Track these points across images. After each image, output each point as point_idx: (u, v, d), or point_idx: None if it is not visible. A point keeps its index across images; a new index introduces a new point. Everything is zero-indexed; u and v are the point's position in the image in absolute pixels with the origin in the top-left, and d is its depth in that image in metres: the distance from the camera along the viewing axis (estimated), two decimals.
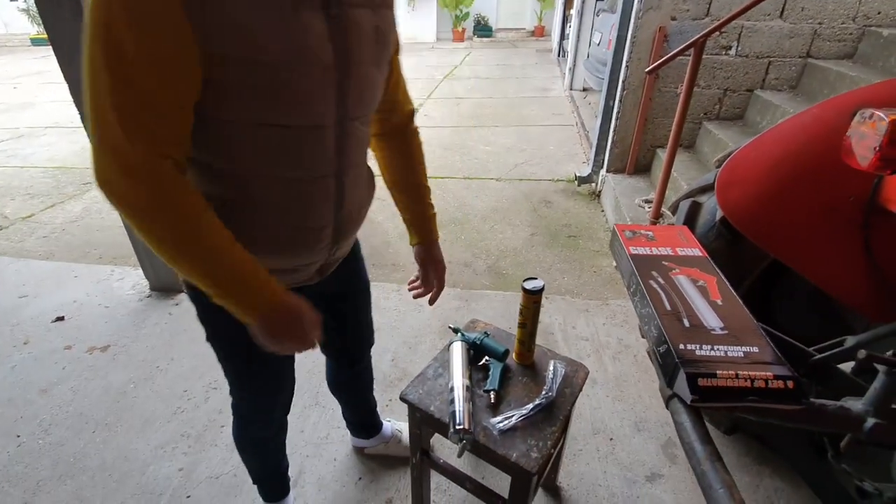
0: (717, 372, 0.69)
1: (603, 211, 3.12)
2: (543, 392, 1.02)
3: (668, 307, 0.83)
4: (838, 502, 1.02)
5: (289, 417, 1.16)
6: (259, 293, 0.70)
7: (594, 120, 3.65)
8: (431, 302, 1.11)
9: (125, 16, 0.54)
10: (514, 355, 1.13)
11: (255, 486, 1.25)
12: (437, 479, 1.35)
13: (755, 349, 0.74)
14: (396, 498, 1.37)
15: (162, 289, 2.33)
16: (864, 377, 0.95)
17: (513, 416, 0.97)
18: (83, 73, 0.57)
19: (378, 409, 1.45)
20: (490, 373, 1.07)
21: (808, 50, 2.68)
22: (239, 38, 0.59)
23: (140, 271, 2.35)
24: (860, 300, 1.01)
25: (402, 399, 1.05)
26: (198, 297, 0.84)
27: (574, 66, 6.21)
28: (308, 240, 0.81)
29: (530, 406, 0.99)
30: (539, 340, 1.13)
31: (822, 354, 0.93)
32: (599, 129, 3.23)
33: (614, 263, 1.91)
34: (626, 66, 2.89)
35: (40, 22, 2.39)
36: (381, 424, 1.46)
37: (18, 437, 1.57)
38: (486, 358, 1.11)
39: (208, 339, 0.92)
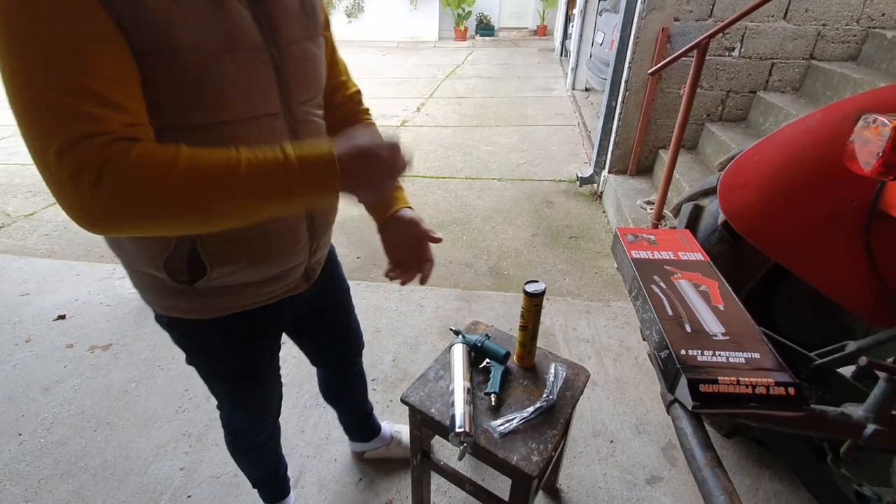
0: (719, 378, 0.69)
1: (604, 212, 3.12)
2: (544, 395, 1.02)
3: (670, 312, 0.83)
4: None
5: (289, 418, 1.17)
6: (312, 164, 0.58)
7: (596, 120, 3.64)
8: (423, 281, 1.00)
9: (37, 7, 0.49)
10: (515, 358, 1.13)
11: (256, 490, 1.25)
12: (437, 481, 1.35)
13: (757, 355, 0.74)
14: (397, 499, 1.38)
15: None
16: (864, 382, 0.95)
17: (513, 419, 0.97)
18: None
19: (379, 410, 1.45)
20: (491, 375, 1.07)
21: (811, 52, 2.68)
22: (160, 30, 0.55)
23: None
24: (861, 304, 1.01)
25: (404, 401, 1.05)
26: (171, 325, 0.83)
27: (576, 65, 6.21)
28: (284, 241, 0.80)
29: (531, 409, 0.99)
30: (540, 342, 1.13)
31: (824, 359, 0.93)
32: (602, 129, 3.22)
33: (615, 265, 1.91)
34: (629, 67, 2.88)
35: None
36: (379, 427, 1.46)
37: (20, 435, 1.58)
38: (487, 360, 1.11)
39: (188, 362, 0.91)
